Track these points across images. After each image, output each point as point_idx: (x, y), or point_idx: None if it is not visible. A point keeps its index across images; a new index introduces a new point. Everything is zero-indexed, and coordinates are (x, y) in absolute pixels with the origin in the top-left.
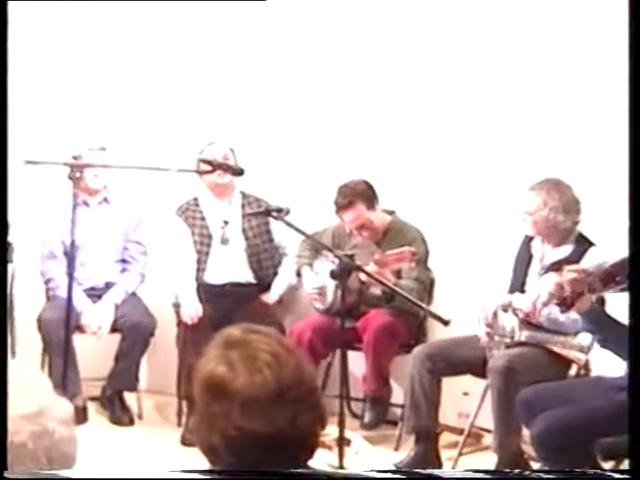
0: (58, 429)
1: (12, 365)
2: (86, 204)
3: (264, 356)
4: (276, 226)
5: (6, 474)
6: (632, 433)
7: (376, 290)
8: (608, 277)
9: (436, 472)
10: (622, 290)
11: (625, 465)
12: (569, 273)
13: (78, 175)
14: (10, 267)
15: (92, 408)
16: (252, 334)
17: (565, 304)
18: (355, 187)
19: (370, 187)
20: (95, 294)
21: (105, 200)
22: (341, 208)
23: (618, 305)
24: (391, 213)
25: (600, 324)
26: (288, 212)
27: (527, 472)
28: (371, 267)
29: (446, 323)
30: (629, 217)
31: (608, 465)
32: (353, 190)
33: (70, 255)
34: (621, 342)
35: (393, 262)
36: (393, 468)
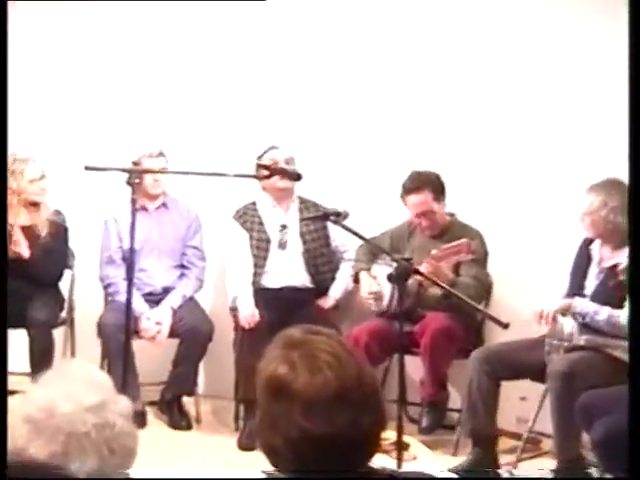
0: (119, 422)
1: (75, 362)
2: (145, 209)
3: (325, 356)
4: (334, 231)
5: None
6: (632, 434)
7: (434, 290)
8: None
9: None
10: None
11: None
12: None
13: (137, 181)
14: (70, 273)
15: (150, 412)
16: (313, 335)
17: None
18: (427, 175)
19: (441, 181)
20: (153, 299)
21: (163, 205)
22: (408, 191)
23: None
24: (451, 215)
25: None
26: (346, 216)
27: None
28: (428, 262)
29: (505, 326)
30: (629, 212)
31: None
32: (424, 177)
33: (129, 260)
34: None
35: (451, 255)
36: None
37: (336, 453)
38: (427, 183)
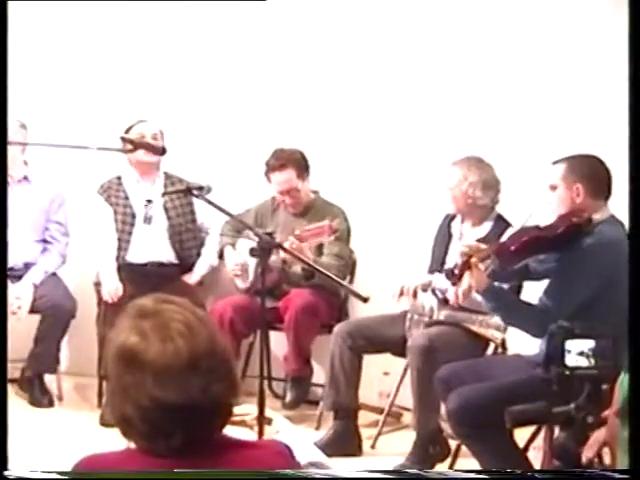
0: None
1: None
2: None
3: (176, 325)
4: (200, 207)
5: (6, 474)
6: (632, 433)
7: (297, 268)
8: (502, 247)
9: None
10: (537, 262)
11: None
12: (463, 247)
13: None
14: None
15: (11, 389)
16: (165, 304)
17: (452, 275)
18: (291, 153)
19: (304, 158)
20: (14, 274)
21: (25, 178)
22: (272, 169)
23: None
24: (315, 192)
25: (500, 302)
26: (209, 190)
27: (529, 472)
28: (291, 242)
29: (365, 300)
30: (629, 213)
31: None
32: (288, 155)
33: None
34: (524, 320)
35: (313, 236)
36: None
37: (188, 421)
38: (291, 161)
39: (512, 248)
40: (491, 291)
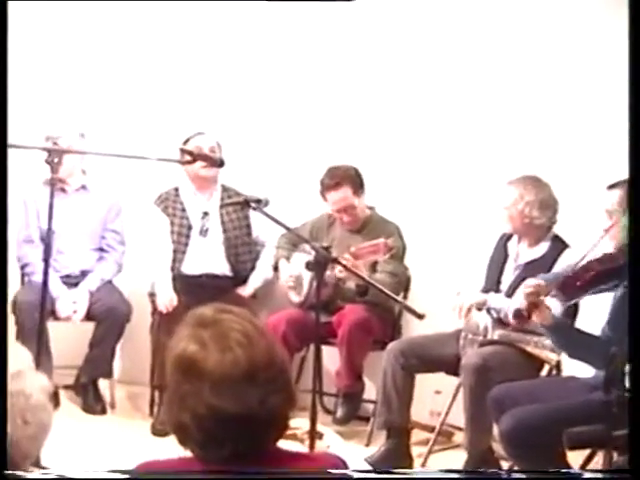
0: (35, 394)
1: None
2: (63, 191)
3: (235, 335)
4: (256, 220)
5: (6, 474)
6: (632, 433)
7: (351, 284)
8: (567, 283)
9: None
10: (599, 291)
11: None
12: (526, 288)
13: (56, 160)
14: None
15: (64, 396)
16: (224, 314)
17: (521, 316)
18: (345, 170)
19: (359, 175)
20: (71, 282)
21: (83, 187)
22: (327, 188)
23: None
24: (371, 208)
25: (564, 337)
26: (267, 203)
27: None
28: (347, 259)
29: (421, 317)
30: (629, 214)
31: (574, 454)
32: (343, 172)
33: (47, 241)
34: (589, 353)
35: (368, 254)
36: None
37: (244, 432)
38: (346, 179)
39: (578, 284)
40: (555, 326)
